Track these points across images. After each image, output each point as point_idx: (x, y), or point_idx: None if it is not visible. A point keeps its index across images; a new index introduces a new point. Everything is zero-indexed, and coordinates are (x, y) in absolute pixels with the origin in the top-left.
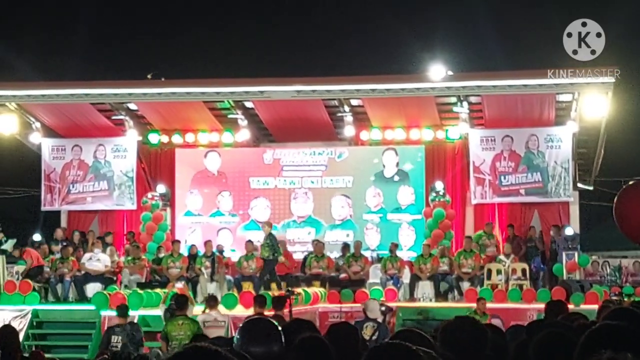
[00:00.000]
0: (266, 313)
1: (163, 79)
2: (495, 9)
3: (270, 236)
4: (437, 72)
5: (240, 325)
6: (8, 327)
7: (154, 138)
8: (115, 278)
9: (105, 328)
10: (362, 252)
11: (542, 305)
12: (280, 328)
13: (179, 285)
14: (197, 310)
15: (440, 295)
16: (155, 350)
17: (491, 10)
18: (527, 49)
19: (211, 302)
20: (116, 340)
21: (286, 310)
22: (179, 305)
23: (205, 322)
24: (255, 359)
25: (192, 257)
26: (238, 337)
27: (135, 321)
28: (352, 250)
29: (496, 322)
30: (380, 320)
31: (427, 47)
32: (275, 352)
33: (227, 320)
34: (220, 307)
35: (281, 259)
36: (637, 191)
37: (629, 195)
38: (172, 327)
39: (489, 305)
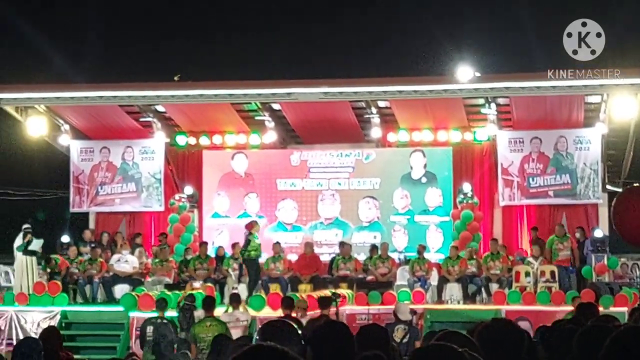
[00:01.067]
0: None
1: (190, 81)
2: (524, 8)
3: (255, 236)
4: (465, 74)
5: (259, 327)
6: (51, 329)
7: (181, 140)
8: (143, 279)
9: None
10: (390, 254)
11: (571, 308)
12: (299, 330)
13: (197, 285)
14: (219, 311)
15: (468, 297)
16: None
17: (520, 9)
18: (557, 49)
19: (234, 301)
20: (150, 330)
21: (332, 310)
22: (206, 307)
23: (227, 322)
24: None
25: (220, 258)
26: (257, 338)
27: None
28: (379, 251)
29: (524, 324)
30: (410, 321)
31: (455, 48)
32: (294, 353)
33: (250, 319)
34: (249, 309)
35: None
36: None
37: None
38: (200, 328)
39: (517, 307)
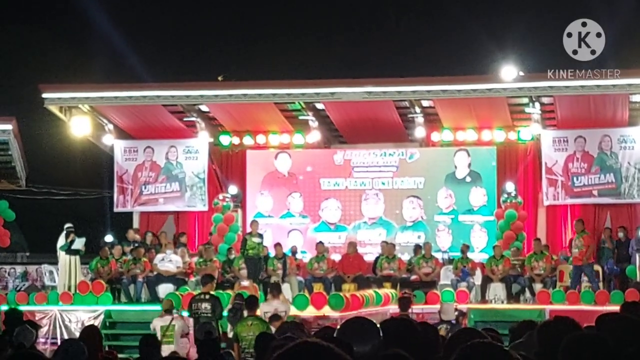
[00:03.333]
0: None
1: (234, 81)
2: (568, 7)
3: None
4: (509, 73)
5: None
6: (91, 327)
7: (225, 139)
8: (187, 279)
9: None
10: (434, 253)
11: (615, 307)
12: (379, 326)
13: (245, 283)
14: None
15: (512, 297)
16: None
17: (563, 8)
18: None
19: (273, 291)
20: (196, 307)
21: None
22: (249, 306)
23: (265, 312)
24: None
25: (264, 258)
26: (336, 334)
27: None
28: (423, 251)
29: None
30: (454, 321)
31: (499, 47)
32: (370, 350)
33: (289, 310)
34: (289, 302)
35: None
36: None
37: None
38: (242, 327)
39: (560, 307)
